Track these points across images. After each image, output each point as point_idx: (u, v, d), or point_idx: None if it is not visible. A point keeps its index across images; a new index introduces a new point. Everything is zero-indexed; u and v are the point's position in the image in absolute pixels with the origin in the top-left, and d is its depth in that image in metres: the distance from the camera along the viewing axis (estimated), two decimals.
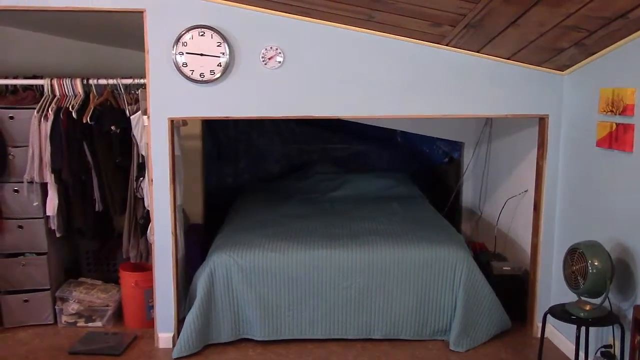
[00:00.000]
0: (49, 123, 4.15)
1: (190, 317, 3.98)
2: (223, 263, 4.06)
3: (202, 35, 3.78)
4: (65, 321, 4.43)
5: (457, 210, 6.05)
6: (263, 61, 3.86)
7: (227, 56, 3.81)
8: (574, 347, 3.29)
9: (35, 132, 4.17)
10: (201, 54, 3.80)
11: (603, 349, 3.34)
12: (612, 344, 3.33)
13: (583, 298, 3.33)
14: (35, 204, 4.30)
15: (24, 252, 4.39)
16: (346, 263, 4.09)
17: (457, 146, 6.13)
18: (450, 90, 3.99)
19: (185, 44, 3.79)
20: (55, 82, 4.25)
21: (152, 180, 3.97)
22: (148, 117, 3.92)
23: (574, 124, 3.91)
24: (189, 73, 3.81)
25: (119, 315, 4.52)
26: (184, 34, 3.77)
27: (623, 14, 2.91)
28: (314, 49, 3.89)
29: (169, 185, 3.98)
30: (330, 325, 4.13)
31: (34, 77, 4.53)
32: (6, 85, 4.43)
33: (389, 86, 3.96)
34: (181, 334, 3.97)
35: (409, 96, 3.98)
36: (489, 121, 5.48)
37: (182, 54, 3.79)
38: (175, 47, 3.78)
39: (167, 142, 3.93)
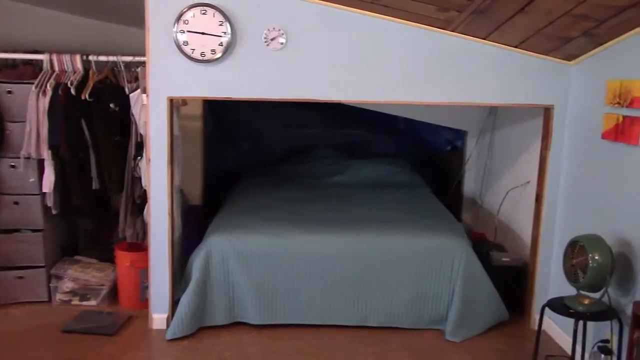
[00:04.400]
0: (47, 99, 4.11)
1: (185, 299, 3.95)
2: (220, 246, 4.03)
3: (204, 13, 3.71)
4: (59, 299, 4.41)
5: (458, 199, 6.00)
6: (265, 42, 3.80)
7: (229, 36, 3.74)
8: (571, 340, 3.26)
9: (33, 107, 4.13)
10: (202, 33, 3.73)
11: (600, 344, 3.30)
12: (610, 338, 3.29)
13: (582, 292, 3.29)
14: (31, 180, 4.27)
15: (20, 229, 4.36)
16: (344, 249, 4.05)
17: (460, 135, 6.06)
18: (455, 77, 3.92)
19: (186, 22, 3.72)
20: (54, 57, 4.22)
21: (149, 160, 3.92)
22: (147, 96, 3.87)
23: (580, 115, 3.85)
24: (189, 52, 3.75)
25: (113, 294, 4.49)
26: (185, 11, 3.71)
27: (635, 3, 2.85)
28: (317, 32, 3.83)
29: (167, 166, 3.93)
30: (326, 311, 4.10)
31: (34, 52, 4.47)
32: (5, 59, 4.38)
33: (392, 71, 3.90)
34: (175, 315, 3.95)
35: (413, 82, 3.92)
36: (493, 110, 5.42)
37: (183, 32, 3.73)
38: (176, 25, 3.72)
39: (165, 121, 3.88)
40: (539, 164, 4.16)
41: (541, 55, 3.88)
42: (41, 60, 4.26)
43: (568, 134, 3.99)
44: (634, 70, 3.24)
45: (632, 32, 3.22)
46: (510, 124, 5.08)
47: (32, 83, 4.15)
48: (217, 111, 6.18)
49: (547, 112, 4.04)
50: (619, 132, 3.34)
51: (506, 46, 3.85)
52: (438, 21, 3.69)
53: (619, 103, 3.32)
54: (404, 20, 3.80)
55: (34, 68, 4.40)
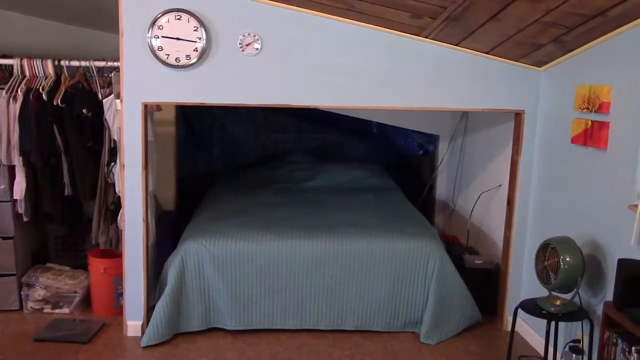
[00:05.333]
0: (18, 104, 4.05)
1: (160, 306, 3.93)
2: (195, 251, 4.01)
3: (178, 19, 3.71)
4: (31, 307, 4.34)
5: (431, 203, 6.07)
6: (240, 47, 3.80)
7: (204, 41, 3.74)
8: (544, 341, 3.32)
9: (3, 113, 4.07)
10: (177, 38, 3.72)
11: (572, 344, 3.37)
12: (581, 338, 3.37)
13: (554, 293, 3.35)
14: (2, 187, 4.20)
15: None
16: (319, 253, 4.07)
17: (432, 139, 6.14)
18: (428, 83, 3.97)
19: (161, 27, 3.71)
20: (25, 62, 4.16)
21: (123, 165, 3.89)
22: (121, 101, 3.84)
23: (550, 120, 3.94)
24: (164, 57, 3.74)
25: (87, 302, 4.44)
26: (160, 17, 3.69)
27: (602, 12, 2.92)
28: (292, 37, 3.84)
29: (141, 171, 3.90)
30: (301, 316, 4.12)
31: (3, 56, 4.40)
32: None
33: (367, 77, 3.93)
34: (150, 322, 3.92)
35: (386, 88, 3.96)
36: (464, 115, 5.50)
37: (158, 37, 3.71)
38: (150, 30, 3.70)
39: (140, 127, 3.85)
40: (510, 167, 4.23)
41: (512, 62, 3.96)
42: (11, 65, 4.20)
43: (538, 139, 4.07)
44: (602, 76, 3.32)
45: (600, 39, 3.30)
46: (481, 128, 5.16)
47: (2, 88, 4.10)
48: (190, 116, 6.16)
49: (518, 117, 4.12)
50: (587, 137, 3.42)
51: (478, 52, 3.92)
52: (412, 28, 3.74)
53: (587, 108, 3.40)
54: (378, 27, 3.84)
55: (4, 73, 4.33)
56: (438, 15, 3.38)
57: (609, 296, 3.07)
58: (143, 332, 3.99)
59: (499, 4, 3.02)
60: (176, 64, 3.75)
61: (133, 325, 4.06)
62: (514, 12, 3.08)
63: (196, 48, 3.74)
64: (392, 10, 3.48)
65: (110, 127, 4.10)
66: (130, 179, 3.90)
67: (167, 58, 3.74)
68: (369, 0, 3.41)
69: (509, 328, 3.70)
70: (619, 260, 2.88)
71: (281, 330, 4.14)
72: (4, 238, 4.29)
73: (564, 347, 3.44)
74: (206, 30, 3.74)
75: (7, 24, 4.94)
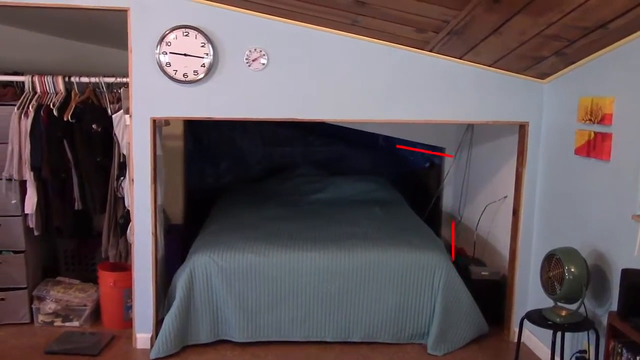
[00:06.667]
0: (29, 120, 4.12)
1: (169, 318, 3.96)
2: (203, 264, 4.05)
3: (186, 35, 3.77)
4: (41, 320, 4.39)
5: (437, 215, 6.08)
6: (247, 63, 3.86)
7: (211, 57, 3.80)
8: (550, 351, 3.33)
9: (15, 129, 4.13)
10: (185, 54, 3.79)
11: (578, 354, 3.38)
12: (587, 349, 3.38)
13: (559, 303, 3.37)
14: (13, 201, 4.25)
15: (1, 250, 4.33)
16: (326, 266, 4.09)
17: (438, 151, 6.16)
18: (432, 96, 4.02)
19: (169, 43, 3.78)
20: (36, 79, 4.22)
21: (133, 180, 3.95)
22: (130, 117, 3.90)
23: (554, 131, 3.97)
24: (172, 73, 3.81)
25: (96, 315, 4.48)
26: (168, 33, 3.76)
27: (603, 24, 2.96)
28: (298, 52, 3.90)
29: (150, 185, 3.96)
30: (309, 328, 4.14)
31: (15, 73, 4.48)
32: None
33: (372, 90, 3.98)
34: (159, 334, 3.96)
35: (392, 101, 4.01)
36: (470, 127, 5.53)
37: (166, 53, 3.78)
38: (159, 46, 3.77)
39: (149, 142, 3.92)
40: (515, 179, 4.25)
41: (515, 74, 4.00)
42: (22, 82, 4.27)
43: (543, 150, 4.10)
44: (604, 87, 3.36)
45: (602, 51, 3.34)
46: (486, 140, 5.19)
47: (14, 105, 4.17)
48: (198, 130, 6.22)
49: (522, 128, 4.15)
50: (590, 148, 3.45)
51: (481, 65, 3.96)
52: (415, 42, 3.79)
53: (590, 120, 3.44)
54: (382, 41, 3.89)
55: (15, 89, 4.40)
56: (441, 29, 3.43)
57: (615, 306, 3.07)
58: (152, 345, 4.02)
59: (500, 18, 3.07)
60: (184, 79, 3.82)
61: (142, 337, 4.10)
62: (515, 26, 3.13)
63: (203, 64, 3.81)
64: (396, 25, 3.53)
65: (120, 142, 4.16)
66: (139, 193, 3.96)
67: (175, 74, 3.81)
68: (373, 16, 3.47)
69: (516, 339, 3.71)
70: (623, 270, 2.91)
71: (288, 342, 4.16)
72: (15, 252, 4.34)
73: (571, 358, 3.45)
74: (213, 46, 3.80)
75: (18, 42, 5.02)
